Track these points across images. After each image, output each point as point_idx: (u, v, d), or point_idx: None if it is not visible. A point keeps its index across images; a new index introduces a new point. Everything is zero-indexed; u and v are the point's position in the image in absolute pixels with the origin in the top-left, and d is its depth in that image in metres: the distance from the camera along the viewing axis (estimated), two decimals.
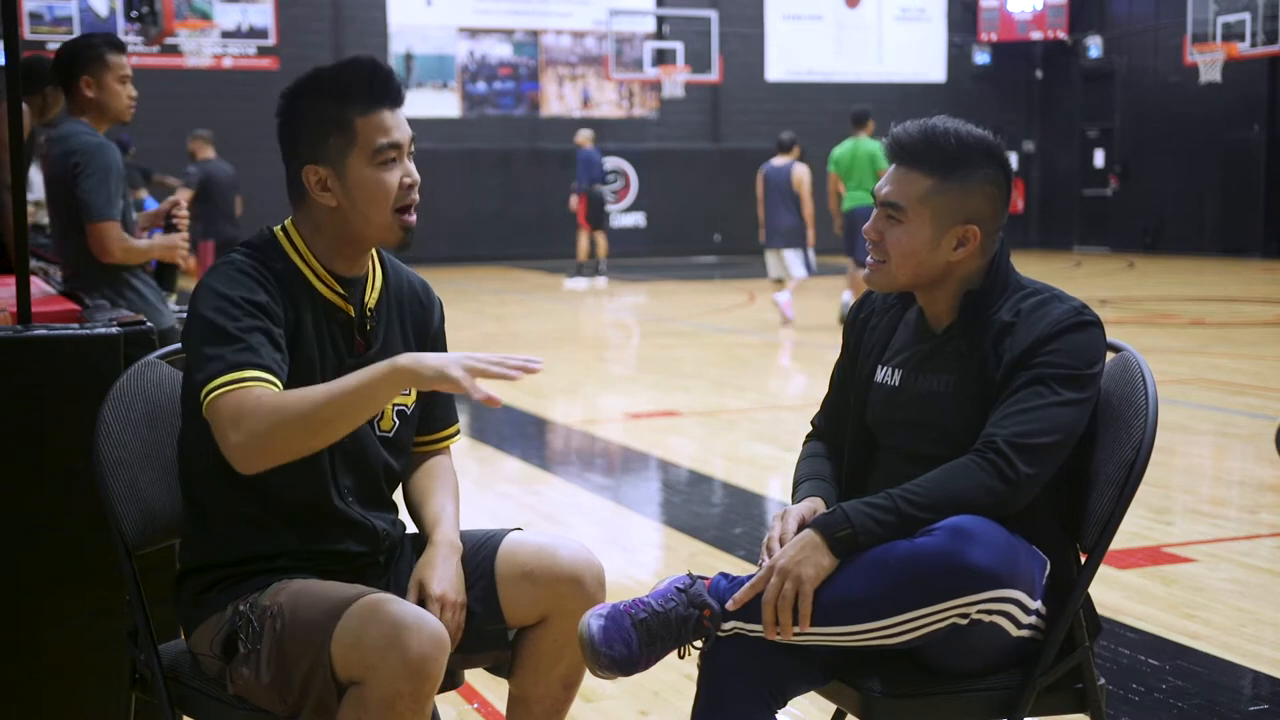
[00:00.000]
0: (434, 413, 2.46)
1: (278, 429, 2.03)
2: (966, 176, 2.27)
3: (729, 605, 2.16)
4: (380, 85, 2.21)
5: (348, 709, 2.02)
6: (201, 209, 12.13)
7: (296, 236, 2.27)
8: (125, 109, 4.31)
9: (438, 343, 2.44)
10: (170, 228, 4.41)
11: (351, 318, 2.29)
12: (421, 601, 2.22)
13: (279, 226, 2.30)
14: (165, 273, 4.51)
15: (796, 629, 2.12)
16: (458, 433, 2.54)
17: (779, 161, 12.78)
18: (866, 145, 11.92)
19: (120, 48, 4.31)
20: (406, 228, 2.25)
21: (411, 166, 2.26)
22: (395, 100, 2.23)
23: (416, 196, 2.26)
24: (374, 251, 2.35)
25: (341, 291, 2.28)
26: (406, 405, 2.37)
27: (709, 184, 23.21)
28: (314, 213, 2.25)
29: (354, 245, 2.27)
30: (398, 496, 2.44)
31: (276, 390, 2.08)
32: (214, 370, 2.08)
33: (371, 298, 2.33)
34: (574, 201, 18.72)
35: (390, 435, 2.35)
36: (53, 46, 18.50)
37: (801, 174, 12.57)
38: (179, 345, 2.54)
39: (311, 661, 2.05)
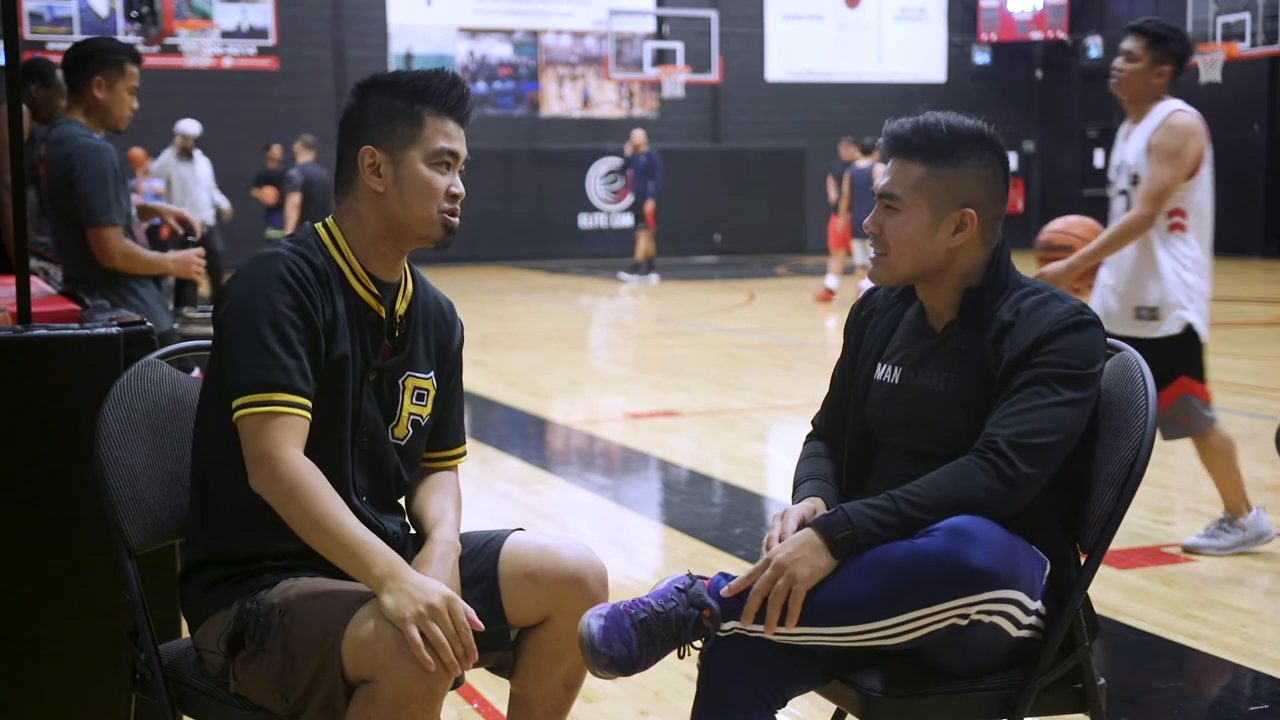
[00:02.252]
0: (446, 429, 2.47)
1: (286, 502, 2.12)
2: (960, 161, 2.28)
3: (724, 592, 2.16)
4: (458, 97, 2.28)
5: (358, 707, 2.02)
6: (305, 210, 13.24)
7: (338, 232, 2.30)
8: (125, 119, 4.34)
9: (456, 362, 2.46)
10: (185, 244, 4.40)
11: (382, 319, 2.30)
12: None
13: (320, 224, 2.33)
14: (183, 289, 4.49)
15: (783, 627, 2.12)
16: (465, 454, 2.54)
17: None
18: None
19: (139, 60, 4.35)
20: (449, 227, 2.29)
21: (460, 182, 2.30)
22: (465, 118, 2.30)
23: (458, 208, 2.30)
24: (406, 265, 2.37)
25: (375, 292, 2.30)
26: (422, 416, 2.38)
27: (709, 184, 23.21)
28: (359, 200, 2.28)
29: (393, 239, 2.29)
30: (403, 501, 2.44)
31: (304, 461, 2.12)
32: (247, 382, 2.13)
33: (402, 305, 2.35)
34: (650, 205, 18.05)
35: (403, 443, 2.36)
36: (53, 46, 18.54)
37: None
38: (179, 345, 2.54)
39: (321, 660, 2.05)
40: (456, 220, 2.30)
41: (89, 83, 4.24)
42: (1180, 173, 4.53)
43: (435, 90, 2.26)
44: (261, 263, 2.23)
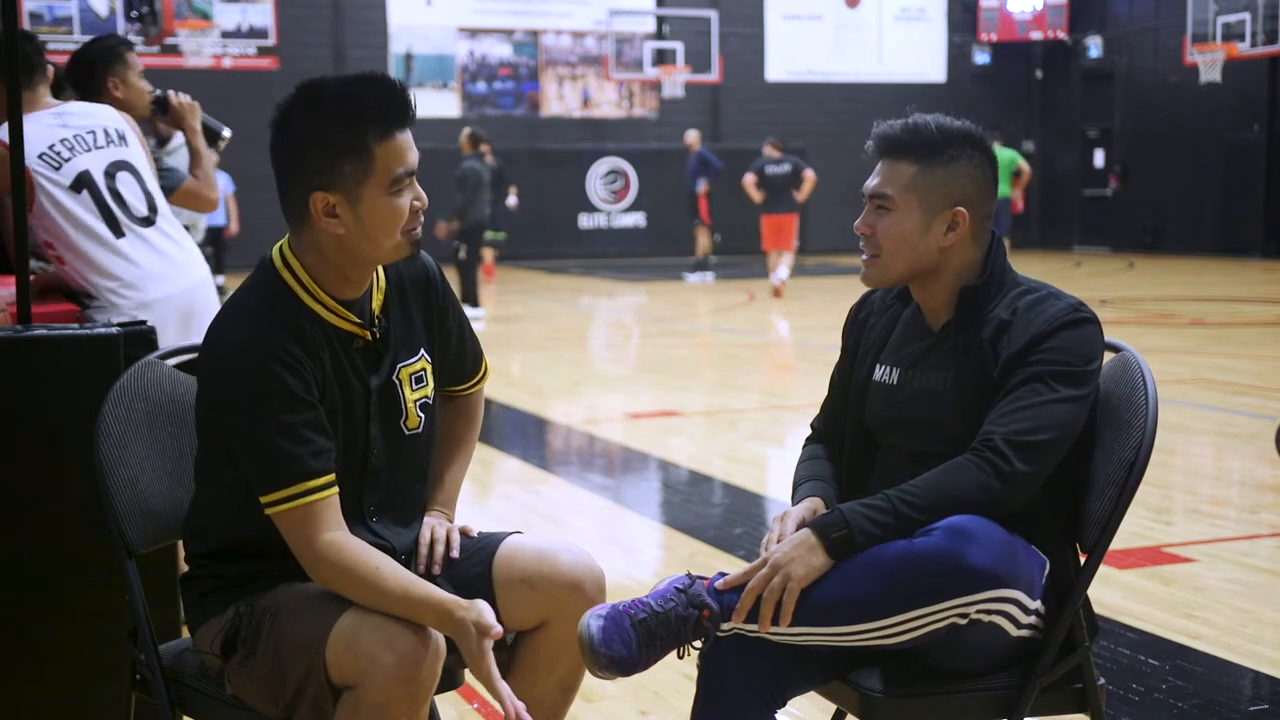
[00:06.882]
0: (463, 361, 2.43)
1: (346, 588, 2.07)
2: (951, 160, 2.29)
3: (718, 585, 2.17)
4: (399, 108, 2.10)
5: (342, 713, 2.01)
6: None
7: (298, 267, 2.17)
8: (147, 105, 4.36)
9: (447, 305, 2.37)
10: None
11: (370, 341, 2.22)
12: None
13: (277, 256, 2.19)
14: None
15: (777, 626, 2.12)
16: (487, 372, 2.51)
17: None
18: (1003, 152, 16.69)
19: (131, 45, 4.40)
20: (414, 241, 2.17)
21: (419, 189, 2.17)
22: (411, 120, 2.13)
23: (422, 218, 2.18)
24: None
25: (357, 320, 2.20)
26: (428, 396, 2.31)
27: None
28: (318, 238, 2.14)
29: (360, 268, 2.18)
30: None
31: (349, 542, 2.08)
32: (269, 481, 2.07)
33: (378, 299, 2.25)
34: (702, 201, 18.45)
35: (419, 431, 2.29)
36: (54, 46, 18.54)
37: None
38: (179, 346, 2.54)
39: (307, 665, 2.04)
40: (420, 231, 2.18)
41: (105, 87, 4.24)
42: None
43: (373, 109, 2.07)
44: (244, 352, 2.10)
